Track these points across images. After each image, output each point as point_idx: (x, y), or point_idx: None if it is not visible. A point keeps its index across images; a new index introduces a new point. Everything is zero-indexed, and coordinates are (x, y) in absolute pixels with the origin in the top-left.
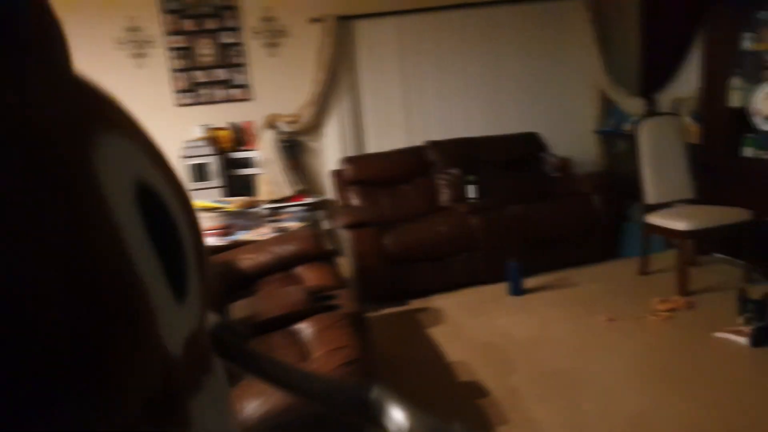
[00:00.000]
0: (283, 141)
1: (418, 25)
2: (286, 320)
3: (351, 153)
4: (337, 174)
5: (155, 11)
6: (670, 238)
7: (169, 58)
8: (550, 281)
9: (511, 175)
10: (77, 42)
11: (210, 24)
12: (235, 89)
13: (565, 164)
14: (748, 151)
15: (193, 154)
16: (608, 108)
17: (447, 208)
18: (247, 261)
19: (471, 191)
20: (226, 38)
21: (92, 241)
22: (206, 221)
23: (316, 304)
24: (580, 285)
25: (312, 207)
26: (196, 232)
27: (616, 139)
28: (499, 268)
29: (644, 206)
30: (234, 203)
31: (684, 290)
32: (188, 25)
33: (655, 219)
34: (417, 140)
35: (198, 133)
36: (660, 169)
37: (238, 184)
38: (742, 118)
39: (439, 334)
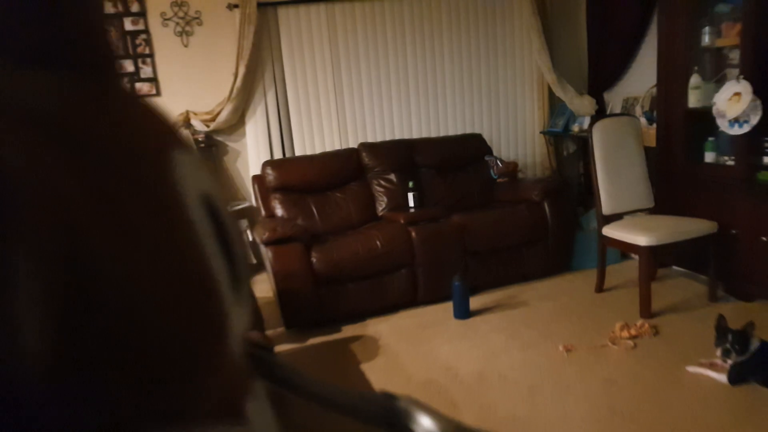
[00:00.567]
0: (198, 141)
1: (349, 15)
2: None
3: (276, 155)
4: (259, 179)
5: None
6: (629, 252)
7: None
8: (498, 299)
9: (453, 180)
10: None
11: (110, 8)
12: (141, 83)
13: (511, 168)
14: (710, 156)
15: None
16: (556, 107)
17: (383, 218)
18: None
19: (410, 199)
20: (131, 25)
21: (183, 246)
22: None
23: None
24: (530, 304)
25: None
26: (242, 245)
27: (566, 140)
28: (441, 287)
29: (600, 217)
30: None
31: (647, 311)
32: None
33: (613, 231)
34: (350, 142)
35: None
36: (616, 176)
37: None
38: (702, 120)
39: (374, 369)
